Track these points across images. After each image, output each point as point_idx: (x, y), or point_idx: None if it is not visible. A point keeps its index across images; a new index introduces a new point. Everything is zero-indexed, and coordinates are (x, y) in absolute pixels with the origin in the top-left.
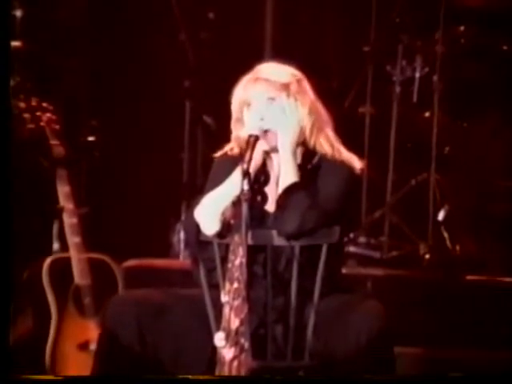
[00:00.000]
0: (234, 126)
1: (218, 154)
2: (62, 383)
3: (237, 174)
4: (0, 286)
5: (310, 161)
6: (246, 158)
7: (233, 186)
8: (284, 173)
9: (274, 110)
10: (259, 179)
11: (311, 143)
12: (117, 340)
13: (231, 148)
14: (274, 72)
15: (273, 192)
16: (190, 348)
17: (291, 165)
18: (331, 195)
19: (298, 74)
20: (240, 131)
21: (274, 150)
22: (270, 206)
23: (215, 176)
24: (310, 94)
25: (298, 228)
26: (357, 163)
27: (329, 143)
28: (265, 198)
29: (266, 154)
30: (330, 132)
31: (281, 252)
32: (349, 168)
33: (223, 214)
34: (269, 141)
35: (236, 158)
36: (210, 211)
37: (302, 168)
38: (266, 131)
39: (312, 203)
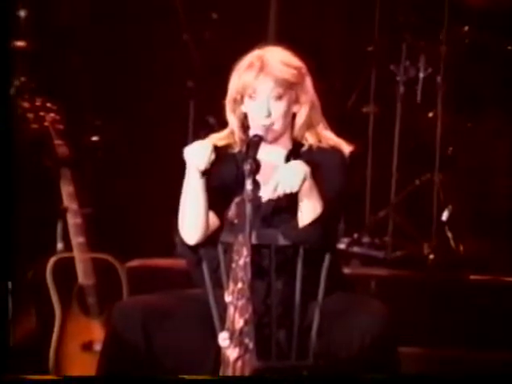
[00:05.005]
0: (229, 103)
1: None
2: (65, 383)
3: (196, 183)
4: (1, 286)
5: (300, 148)
6: (249, 158)
7: (195, 196)
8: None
9: (280, 108)
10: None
11: (299, 136)
12: (122, 344)
13: (220, 138)
14: (282, 67)
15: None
16: (194, 348)
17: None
18: (332, 193)
19: (302, 66)
20: (235, 112)
21: (272, 141)
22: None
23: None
24: (312, 91)
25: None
26: (345, 148)
27: (316, 136)
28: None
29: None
30: (319, 127)
31: (285, 251)
32: (339, 153)
33: (200, 222)
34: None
35: (228, 153)
36: (184, 222)
37: (293, 153)
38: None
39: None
